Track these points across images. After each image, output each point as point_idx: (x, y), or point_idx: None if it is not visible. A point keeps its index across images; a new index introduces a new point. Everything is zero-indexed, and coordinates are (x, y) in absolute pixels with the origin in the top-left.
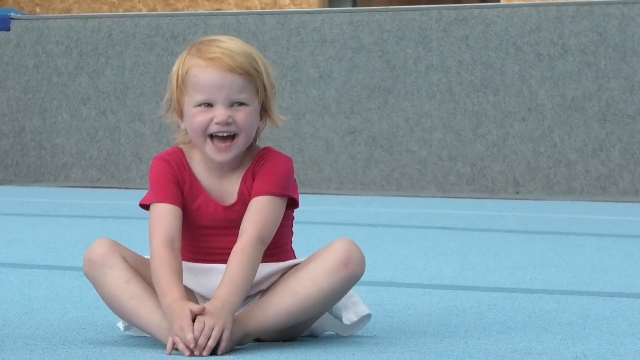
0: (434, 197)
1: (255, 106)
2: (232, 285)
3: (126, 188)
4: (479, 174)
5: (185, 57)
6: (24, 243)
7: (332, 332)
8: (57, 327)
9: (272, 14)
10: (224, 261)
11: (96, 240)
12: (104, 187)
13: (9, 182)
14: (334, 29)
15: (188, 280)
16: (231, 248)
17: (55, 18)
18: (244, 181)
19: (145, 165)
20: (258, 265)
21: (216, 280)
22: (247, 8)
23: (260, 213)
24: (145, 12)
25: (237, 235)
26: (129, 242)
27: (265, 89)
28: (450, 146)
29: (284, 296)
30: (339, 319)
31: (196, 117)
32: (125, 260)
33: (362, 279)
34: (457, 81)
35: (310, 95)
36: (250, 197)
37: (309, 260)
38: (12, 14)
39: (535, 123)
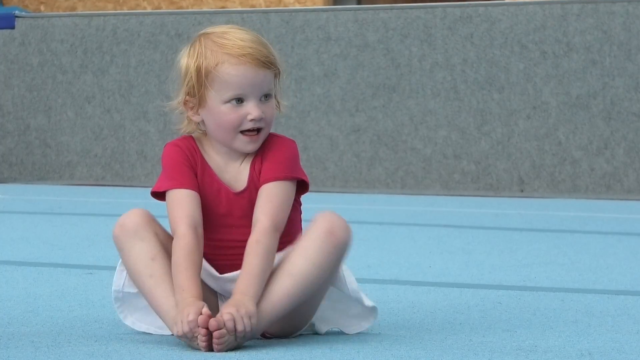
0: (438, 195)
1: (274, 98)
2: (251, 278)
3: (131, 186)
4: (483, 172)
5: (206, 52)
6: (29, 241)
7: (336, 329)
8: (62, 325)
9: (276, 12)
10: (235, 255)
11: (132, 209)
12: (108, 185)
13: (14, 180)
14: (339, 27)
15: (204, 275)
16: (242, 240)
17: (60, 16)
18: (252, 167)
19: (150, 163)
20: (274, 254)
21: (225, 286)
22: (252, 6)
23: (271, 200)
24: (150, 10)
25: (247, 226)
26: None
27: (279, 77)
28: (455, 144)
29: (282, 279)
30: (360, 301)
31: (228, 115)
32: (156, 235)
33: (367, 276)
34: (462, 79)
35: (315, 93)
36: (259, 182)
37: (298, 239)
38: (17, 12)
39: (540, 121)
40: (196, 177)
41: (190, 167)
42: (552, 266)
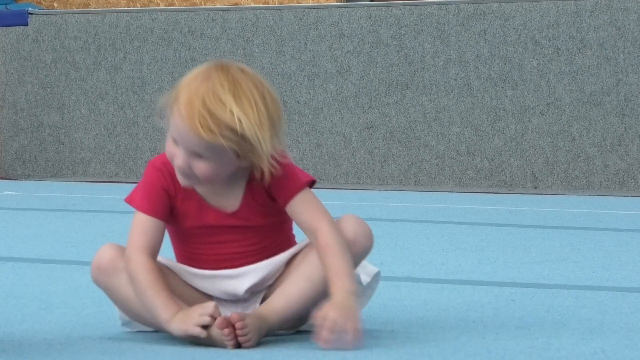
0: (452, 192)
1: (223, 160)
2: (343, 276)
3: None
4: (497, 168)
5: (193, 85)
6: (42, 238)
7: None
8: (75, 322)
9: (290, 8)
10: (230, 267)
11: (101, 247)
12: (122, 182)
13: (27, 177)
14: (352, 23)
15: (197, 283)
16: (235, 252)
17: (73, 13)
18: (249, 189)
19: None
20: (347, 247)
21: (222, 284)
22: (265, 2)
23: (311, 206)
24: (163, 7)
25: (239, 240)
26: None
27: (239, 145)
28: (469, 141)
29: (301, 284)
30: (359, 282)
31: (167, 145)
32: None
33: (381, 273)
34: (475, 76)
35: (328, 90)
36: (257, 204)
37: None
38: (30, 9)
39: (554, 118)
40: (174, 201)
41: (166, 194)
42: (566, 263)
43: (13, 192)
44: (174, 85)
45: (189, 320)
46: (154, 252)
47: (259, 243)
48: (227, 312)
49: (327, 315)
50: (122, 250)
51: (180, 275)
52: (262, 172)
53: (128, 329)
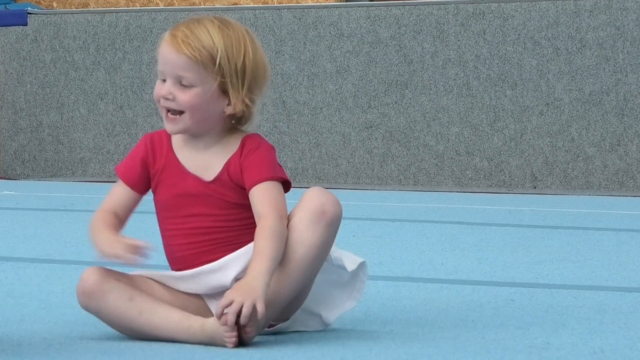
0: (451, 191)
1: (206, 88)
2: (262, 258)
3: None
4: (496, 168)
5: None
6: (41, 238)
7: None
8: (75, 322)
9: (289, 8)
10: (204, 243)
11: (84, 271)
12: None
13: (27, 176)
14: (351, 23)
15: (182, 286)
16: (210, 227)
17: (73, 13)
18: (227, 165)
19: None
20: (285, 239)
21: (207, 280)
22: (264, 2)
23: (267, 195)
24: (163, 7)
25: (215, 215)
26: (146, 237)
27: (222, 73)
28: (468, 141)
29: (285, 267)
30: (343, 268)
31: (156, 88)
32: (120, 281)
33: (379, 273)
34: (475, 76)
35: (327, 89)
36: (231, 181)
37: (290, 221)
38: (29, 9)
39: (553, 117)
40: (151, 172)
41: (143, 164)
42: (565, 263)
43: (12, 192)
44: None
45: (114, 247)
46: (116, 213)
47: (233, 222)
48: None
49: (229, 296)
50: (106, 272)
51: (165, 283)
52: (239, 117)
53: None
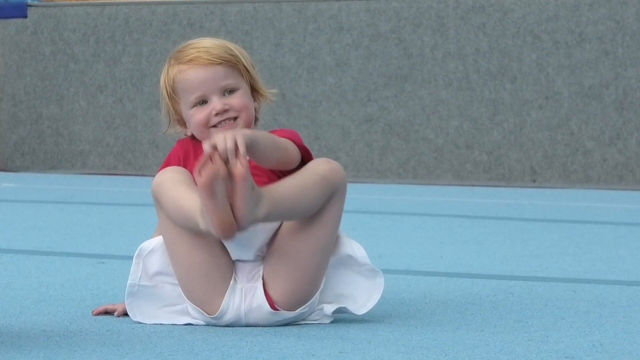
0: (450, 185)
1: (245, 87)
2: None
3: (143, 175)
4: (495, 162)
5: (168, 69)
6: (41, 230)
7: (345, 313)
8: (74, 315)
9: (289, 1)
10: None
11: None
12: (120, 174)
13: (26, 169)
14: (351, 16)
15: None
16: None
17: (72, 5)
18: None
19: (162, 152)
20: (286, 146)
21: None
22: None
23: (287, 134)
24: (162, 0)
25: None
26: (146, 229)
27: (247, 70)
28: (467, 134)
29: (302, 175)
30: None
31: (195, 116)
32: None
33: (379, 266)
34: (474, 69)
35: (327, 83)
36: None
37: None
38: (29, 1)
39: (553, 111)
40: (187, 167)
41: (182, 160)
42: (564, 257)
43: (12, 184)
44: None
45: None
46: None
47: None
48: (241, 270)
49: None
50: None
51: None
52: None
53: (140, 320)
